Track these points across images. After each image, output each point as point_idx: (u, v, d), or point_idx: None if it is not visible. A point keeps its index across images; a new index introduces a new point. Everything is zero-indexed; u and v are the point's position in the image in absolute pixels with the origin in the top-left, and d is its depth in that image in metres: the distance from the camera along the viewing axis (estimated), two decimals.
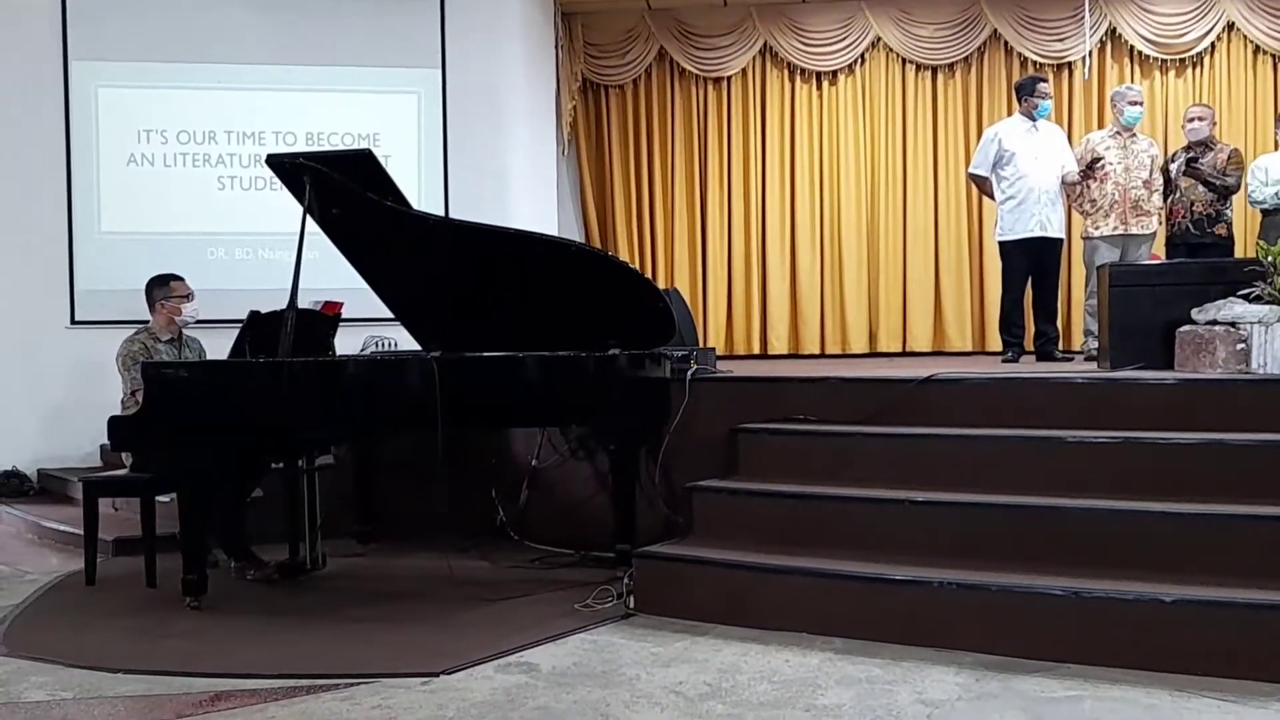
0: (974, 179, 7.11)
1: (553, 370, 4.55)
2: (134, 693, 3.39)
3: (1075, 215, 7.37)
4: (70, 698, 3.35)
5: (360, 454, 5.63)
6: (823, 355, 9.47)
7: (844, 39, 9.58)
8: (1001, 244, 6.78)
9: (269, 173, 5.02)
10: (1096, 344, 5.90)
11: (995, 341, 8.20)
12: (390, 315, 5.28)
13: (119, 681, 3.49)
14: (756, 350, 9.62)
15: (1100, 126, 7.89)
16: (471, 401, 4.44)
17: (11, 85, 7.28)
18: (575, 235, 9.47)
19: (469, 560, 5.05)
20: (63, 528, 5.92)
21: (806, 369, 6.24)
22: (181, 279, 5.63)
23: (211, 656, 3.71)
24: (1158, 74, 9.21)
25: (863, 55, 9.60)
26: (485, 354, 4.52)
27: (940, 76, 9.55)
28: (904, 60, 9.55)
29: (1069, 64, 9.30)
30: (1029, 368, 6.01)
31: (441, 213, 7.32)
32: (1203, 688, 3.17)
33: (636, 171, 9.86)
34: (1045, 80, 7.00)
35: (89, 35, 7.39)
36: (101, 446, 6.86)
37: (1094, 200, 6.70)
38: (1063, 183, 6.71)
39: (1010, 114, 8.34)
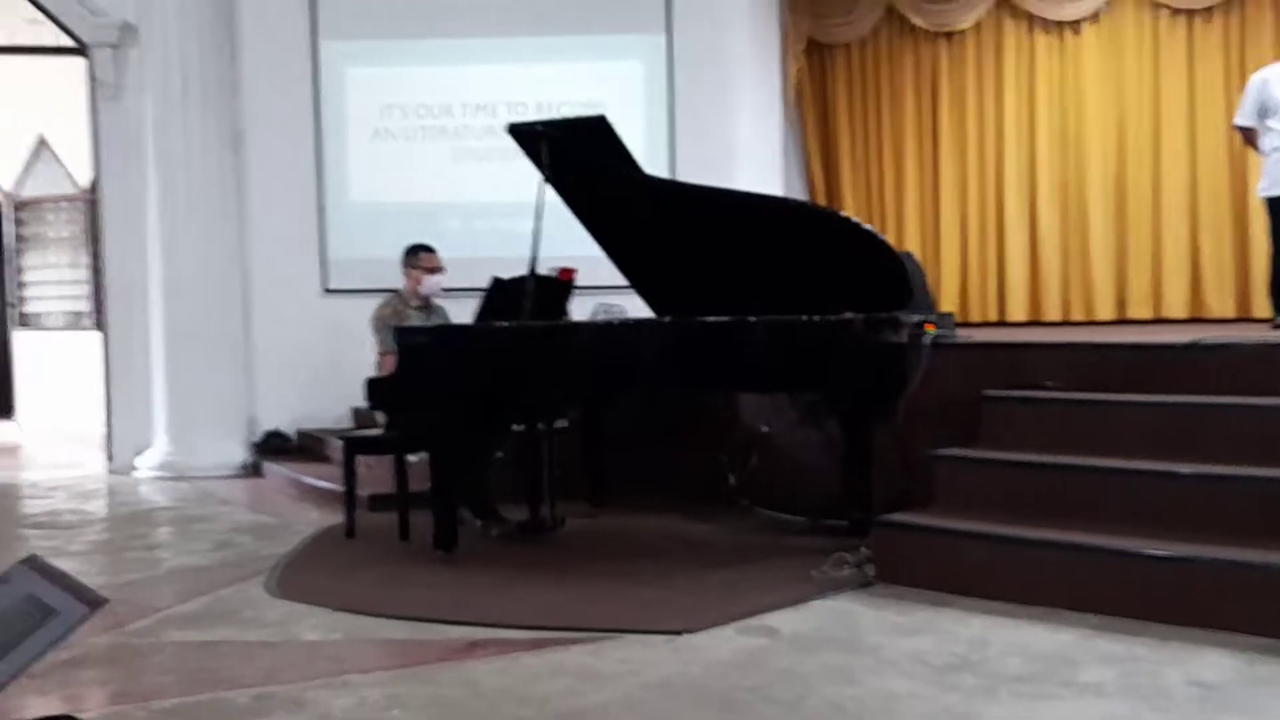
0: (1240, 130, 6.56)
1: (786, 335, 4.49)
2: (397, 637, 3.60)
3: None
4: (340, 639, 3.58)
5: (592, 417, 5.74)
6: (1065, 322, 8.96)
7: None
8: (1268, 200, 6.25)
9: (503, 144, 5.16)
10: None
11: (1262, 308, 7.59)
12: (618, 283, 5.34)
13: (381, 626, 3.71)
14: (993, 317, 9.21)
15: None
16: (704, 365, 4.44)
17: (267, 65, 7.73)
18: (801, 199, 9.32)
19: (700, 524, 5.09)
20: (321, 484, 6.33)
21: (1051, 335, 5.95)
22: (432, 251, 5.70)
23: (464, 607, 3.88)
24: None
25: (1108, 2, 9.01)
26: (718, 319, 4.50)
27: (1197, 22, 8.83)
28: (1155, 5, 8.90)
29: None
30: None
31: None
32: None
33: (865, 133, 9.60)
34: None
35: (336, 16, 7.79)
36: (354, 408, 7.26)
37: None
38: None
39: (1278, 59, 7.67)
